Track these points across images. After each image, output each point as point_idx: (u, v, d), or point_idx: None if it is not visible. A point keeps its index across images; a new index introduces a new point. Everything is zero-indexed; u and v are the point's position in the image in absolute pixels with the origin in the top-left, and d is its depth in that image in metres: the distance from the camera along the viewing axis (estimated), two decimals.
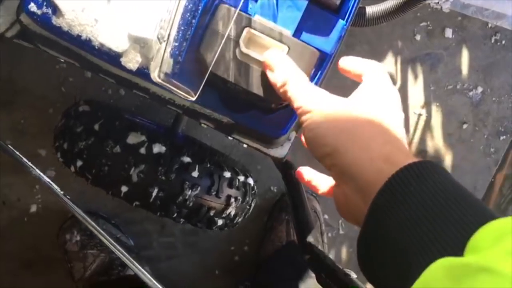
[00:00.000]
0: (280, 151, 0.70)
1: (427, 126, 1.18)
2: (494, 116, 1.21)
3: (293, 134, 0.70)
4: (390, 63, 1.15)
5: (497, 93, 1.20)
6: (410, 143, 1.18)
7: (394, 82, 1.16)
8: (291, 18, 0.49)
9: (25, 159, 0.56)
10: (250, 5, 0.49)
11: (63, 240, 1.00)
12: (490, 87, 1.19)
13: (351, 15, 0.53)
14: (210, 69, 0.48)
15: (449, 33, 1.16)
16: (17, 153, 0.57)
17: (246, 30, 0.49)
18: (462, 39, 1.17)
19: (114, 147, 0.74)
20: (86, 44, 0.51)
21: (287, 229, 1.09)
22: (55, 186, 0.54)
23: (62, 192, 0.55)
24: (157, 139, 0.76)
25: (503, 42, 1.18)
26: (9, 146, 0.59)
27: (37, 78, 1.02)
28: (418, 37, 1.15)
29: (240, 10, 0.48)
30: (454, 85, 1.18)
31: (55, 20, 0.50)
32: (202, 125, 0.68)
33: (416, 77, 1.16)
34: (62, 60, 0.68)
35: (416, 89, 1.17)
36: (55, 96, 1.02)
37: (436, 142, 1.18)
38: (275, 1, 0.49)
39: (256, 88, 0.49)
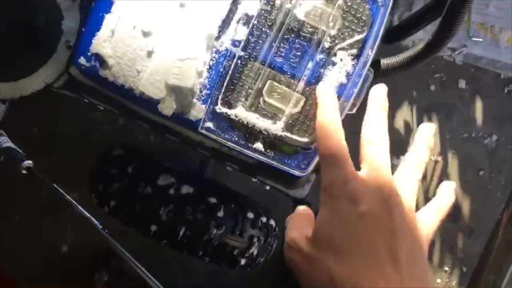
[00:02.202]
0: (301, 192, 0.74)
1: (444, 172, 1.21)
2: (510, 163, 1.24)
3: (313, 176, 0.75)
4: (406, 112, 1.20)
5: (511, 141, 1.24)
6: (427, 190, 1.21)
7: (410, 131, 1.20)
8: (310, 71, 0.55)
9: (68, 197, 0.62)
10: (274, 59, 0.55)
11: (92, 279, 1.05)
12: (504, 135, 1.23)
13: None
14: (235, 115, 0.54)
15: (462, 84, 1.21)
16: (61, 191, 0.63)
17: (269, 82, 0.55)
18: (476, 89, 1.22)
19: (145, 188, 0.80)
20: (127, 92, 0.57)
21: None
22: (95, 221, 0.59)
23: (101, 227, 0.60)
24: (185, 180, 0.82)
25: None
26: (54, 185, 0.65)
27: (74, 126, 1.09)
28: (432, 88, 1.21)
29: (265, 64, 0.54)
30: (469, 133, 1.22)
31: (102, 72, 0.57)
32: (228, 168, 0.74)
33: None
34: (102, 108, 0.75)
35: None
36: (90, 142, 1.09)
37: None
38: (298, 56, 0.55)
39: (276, 131, 0.54)
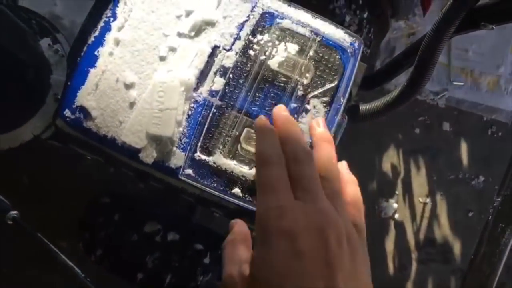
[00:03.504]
0: None
1: (433, 214, 1.22)
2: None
3: None
4: (393, 155, 1.22)
5: (498, 181, 1.25)
6: (418, 231, 1.21)
7: (397, 173, 1.22)
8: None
9: (53, 246, 0.63)
10: (250, 107, 0.57)
11: None
12: (491, 176, 1.24)
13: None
14: (214, 162, 0.56)
15: (446, 126, 1.24)
16: (45, 240, 0.64)
17: (246, 129, 0.57)
18: (460, 131, 1.24)
19: (132, 236, 0.81)
20: (110, 142, 0.59)
21: None
22: (78, 270, 0.60)
23: (83, 275, 0.60)
24: (172, 227, 0.82)
25: (500, 133, 1.25)
26: (39, 235, 0.66)
27: (64, 174, 1.11)
28: (417, 131, 1.24)
29: (242, 112, 0.57)
30: (456, 175, 1.23)
31: (86, 123, 0.59)
32: (215, 214, 0.75)
33: (418, 167, 1.23)
34: (89, 157, 0.77)
35: (420, 179, 1.23)
36: (79, 191, 1.10)
37: (444, 230, 1.22)
38: (273, 104, 0.58)
39: (253, 177, 0.56)
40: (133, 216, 0.84)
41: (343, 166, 0.54)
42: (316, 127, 0.54)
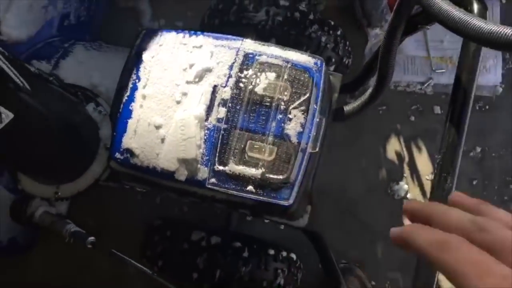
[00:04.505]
0: (302, 221, 0.94)
1: None
2: (499, 169, 1.39)
3: (309, 207, 0.94)
4: (395, 144, 1.39)
5: (495, 149, 1.40)
6: None
7: (402, 158, 1.38)
8: (275, 127, 0.76)
9: (129, 259, 0.84)
10: (249, 125, 0.77)
11: None
12: (486, 145, 1.39)
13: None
14: (229, 170, 0.76)
15: (437, 109, 1.40)
16: (122, 255, 0.85)
17: (249, 142, 0.76)
18: None
19: (183, 245, 1.01)
20: (152, 170, 0.79)
21: None
22: (151, 273, 0.81)
23: (155, 274, 0.81)
24: (213, 233, 1.02)
25: (487, 107, 1.40)
26: (114, 251, 0.86)
27: (119, 213, 1.32)
28: (412, 118, 1.40)
29: (243, 129, 0.76)
30: None
31: (132, 160, 0.80)
32: (248, 218, 0.94)
33: (420, 150, 1.39)
34: (138, 189, 0.97)
35: (423, 159, 1.38)
36: (140, 223, 1.31)
37: None
38: (264, 119, 0.77)
39: (260, 175, 0.75)
40: (181, 230, 1.04)
41: None
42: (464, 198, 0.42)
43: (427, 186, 1.38)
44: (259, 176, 0.76)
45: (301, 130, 0.76)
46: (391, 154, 1.39)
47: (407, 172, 1.39)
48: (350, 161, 1.39)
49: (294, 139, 0.76)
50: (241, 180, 0.77)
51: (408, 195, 1.37)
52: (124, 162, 0.81)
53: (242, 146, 0.76)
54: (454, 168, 0.69)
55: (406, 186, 1.37)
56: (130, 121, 0.80)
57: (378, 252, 1.37)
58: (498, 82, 1.41)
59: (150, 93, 0.80)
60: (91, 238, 0.86)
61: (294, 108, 0.77)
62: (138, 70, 0.82)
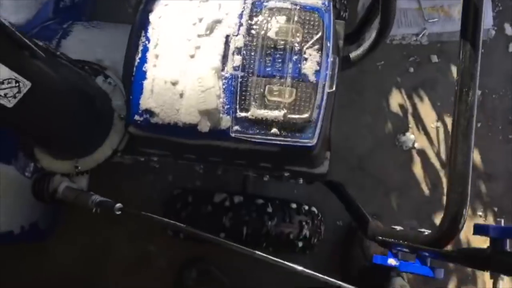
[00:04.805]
0: (322, 168, 0.95)
1: (447, 134, 1.39)
2: (500, 109, 1.41)
3: (328, 153, 0.95)
4: (397, 96, 1.40)
5: (494, 90, 1.42)
6: (438, 153, 1.39)
7: (406, 109, 1.40)
8: (292, 69, 0.77)
9: (159, 217, 0.84)
10: (265, 69, 0.77)
11: (182, 275, 1.23)
12: (486, 88, 1.41)
13: None
14: (251, 115, 0.76)
15: (434, 58, 1.42)
16: (153, 215, 0.85)
17: (267, 86, 0.77)
18: (447, 59, 1.42)
19: (206, 208, 1.01)
20: (173, 128, 0.80)
21: (362, 253, 1.27)
22: (172, 222, 0.81)
23: (185, 226, 0.81)
24: (235, 193, 1.03)
25: (482, 50, 1.42)
26: (144, 213, 0.87)
27: (133, 193, 1.32)
28: (411, 70, 1.42)
29: (260, 75, 0.77)
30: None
31: (152, 119, 0.80)
32: (265, 178, 0.95)
33: (422, 100, 1.41)
34: (154, 160, 0.97)
35: (426, 108, 1.40)
36: (151, 203, 1.31)
37: None
38: (280, 62, 0.78)
39: (283, 116, 0.76)
40: (202, 194, 1.05)
41: None
42: None
43: (433, 134, 1.40)
44: (281, 118, 0.76)
45: (318, 68, 0.77)
46: (394, 107, 1.41)
47: (412, 123, 1.40)
48: (355, 119, 1.40)
49: (312, 78, 0.77)
50: (264, 124, 0.77)
51: (416, 145, 1.39)
52: (143, 123, 0.81)
53: (262, 90, 0.77)
54: (475, 82, 0.71)
55: (412, 137, 1.39)
56: (145, 82, 0.80)
57: (393, 204, 1.38)
58: (490, 25, 1.44)
59: (162, 52, 0.80)
60: (119, 205, 0.86)
61: (308, 48, 0.77)
62: (146, 31, 0.82)
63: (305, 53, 0.77)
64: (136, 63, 0.82)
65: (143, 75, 0.81)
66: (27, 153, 0.92)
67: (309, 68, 0.77)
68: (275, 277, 1.34)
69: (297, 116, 0.77)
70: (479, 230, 0.64)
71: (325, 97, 0.78)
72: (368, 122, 1.41)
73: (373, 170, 1.39)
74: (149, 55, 0.81)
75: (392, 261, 0.81)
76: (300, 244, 1.04)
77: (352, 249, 1.27)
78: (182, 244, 1.29)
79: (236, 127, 0.78)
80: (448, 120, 1.40)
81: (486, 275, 1.33)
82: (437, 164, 1.39)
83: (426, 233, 0.76)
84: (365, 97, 1.40)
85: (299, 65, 0.77)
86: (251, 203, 1.01)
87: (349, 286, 0.65)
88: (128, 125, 0.85)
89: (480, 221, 1.37)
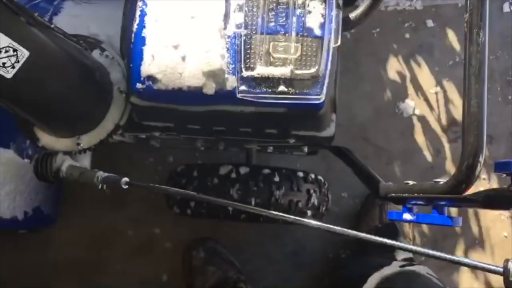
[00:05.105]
0: (329, 131, 0.93)
1: (447, 99, 1.38)
2: (498, 70, 1.41)
3: (334, 116, 0.94)
4: (394, 63, 1.39)
5: (490, 52, 1.40)
6: (438, 118, 1.38)
7: (404, 76, 1.39)
8: (296, 24, 0.75)
9: (167, 187, 0.82)
10: (268, 26, 0.75)
11: (189, 255, 1.22)
12: None
13: None
14: (257, 73, 0.74)
15: (430, 23, 1.41)
16: (162, 186, 0.83)
17: (272, 43, 0.75)
18: (443, 23, 1.41)
19: (213, 180, 0.99)
20: (178, 93, 0.77)
21: (380, 213, 1.26)
22: (181, 191, 0.80)
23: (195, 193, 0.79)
24: (240, 164, 1.01)
25: None
26: (153, 184, 0.85)
27: (135, 176, 1.29)
28: (407, 36, 1.40)
29: (264, 32, 0.75)
30: (453, 60, 1.40)
31: (155, 86, 0.78)
32: (268, 150, 0.93)
33: (419, 65, 1.39)
34: (156, 136, 0.95)
35: (424, 74, 1.39)
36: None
37: (460, 108, 1.37)
38: (283, 17, 0.75)
39: (290, 72, 0.74)
40: (207, 168, 1.03)
41: None
42: None
43: (433, 100, 1.39)
44: (288, 74, 0.74)
45: (323, 20, 0.75)
46: (392, 74, 1.40)
47: (411, 89, 1.39)
48: (353, 88, 1.39)
49: (317, 31, 0.75)
50: (271, 82, 0.75)
51: (416, 111, 1.38)
52: (146, 90, 0.79)
53: (266, 48, 0.75)
54: (485, 22, 0.69)
55: (412, 103, 1.38)
56: (145, 48, 0.78)
57: (396, 171, 1.37)
58: None
59: (161, 16, 0.78)
60: (125, 179, 0.84)
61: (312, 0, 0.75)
62: None
63: (308, 5, 0.75)
64: (134, 29, 0.79)
65: (142, 41, 0.78)
66: (26, 132, 0.89)
67: (313, 21, 0.75)
68: (282, 253, 1.33)
69: (304, 71, 0.75)
70: (500, 167, 0.62)
71: (331, 51, 0.77)
72: (367, 91, 1.39)
73: (374, 139, 1.38)
74: (148, 20, 0.78)
75: (407, 216, 0.80)
76: (310, 212, 1.02)
77: (370, 212, 1.26)
78: (188, 225, 1.28)
79: (242, 87, 0.76)
80: (447, 85, 1.39)
81: (493, 235, 1.33)
82: (438, 129, 1.38)
83: (442, 182, 0.74)
84: (362, 66, 1.39)
85: (303, 18, 0.75)
86: (257, 173, 0.99)
87: (367, 235, 0.63)
88: (130, 96, 0.83)
89: (484, 183, 1.37)
